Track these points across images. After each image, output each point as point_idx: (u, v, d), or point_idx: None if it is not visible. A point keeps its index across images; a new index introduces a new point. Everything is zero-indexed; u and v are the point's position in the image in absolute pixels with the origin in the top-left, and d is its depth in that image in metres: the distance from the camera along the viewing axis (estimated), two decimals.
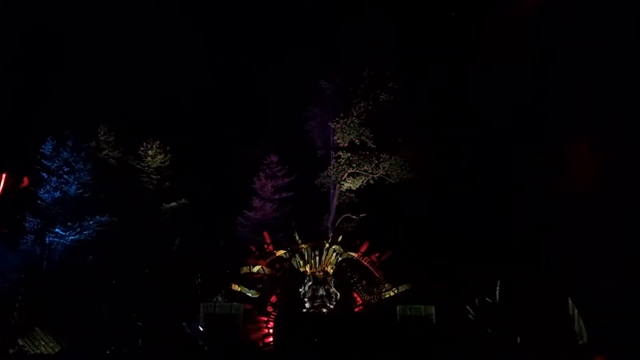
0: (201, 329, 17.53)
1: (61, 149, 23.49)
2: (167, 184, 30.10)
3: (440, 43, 27.75)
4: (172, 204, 29.72)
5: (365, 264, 19.33)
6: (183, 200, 29.75)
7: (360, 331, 18.24)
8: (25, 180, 18.37)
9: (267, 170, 31.20)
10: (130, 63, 31.11)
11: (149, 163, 30.02)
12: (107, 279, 19.65)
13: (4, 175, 16.00)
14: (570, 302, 16.82)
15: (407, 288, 19.10)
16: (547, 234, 22.54)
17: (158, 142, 30.17)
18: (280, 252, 19.57)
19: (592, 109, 23.08)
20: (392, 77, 27.07)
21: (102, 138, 29.55)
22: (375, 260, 19.47)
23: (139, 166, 30.04)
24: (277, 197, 30.76)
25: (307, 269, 19.09)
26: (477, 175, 25.69)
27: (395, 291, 18.98)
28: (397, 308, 18.22)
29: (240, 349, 17.15)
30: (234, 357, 16.84)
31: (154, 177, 29.99)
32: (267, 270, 19.02)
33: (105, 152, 29.47)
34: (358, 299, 18.94)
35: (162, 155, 30.10)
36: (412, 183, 26.25)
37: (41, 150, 23.49)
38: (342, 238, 19.89)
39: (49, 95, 25.97)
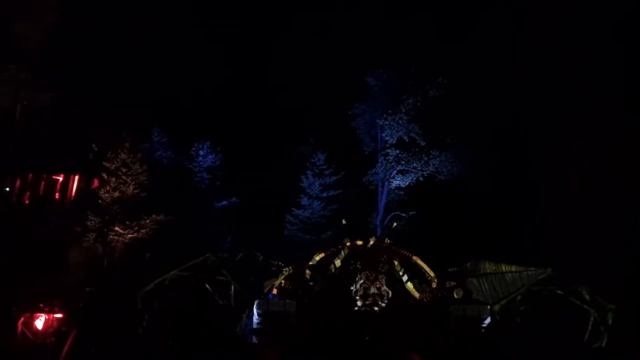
0: (255, 325, 17.83)
1: (119, 150, 24.45)
2: (218, 183, 30.80)
3: (491, 37, 27.16)
4: (223, 202, 30.40)
5: (417, 262, 19.15)
6: (234, 199, 30.37)
7: (413, 330, 18.18)
8: (96, 182, 19.35)
9: (315, 169, 31.40)
10: (180, 64, 31.98)
11: (201, 163, 30.81)
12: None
13: (76, 178, 16.92)
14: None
15: (460, 287, 18.80)
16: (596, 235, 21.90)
17: (209, 142, 30.88)
18: (332, 250, 19.63)
19: None
20: (441, 71, 26.71)
21: (155, 139, 30.52)
22: (428, 258, 19.25)
23: (190, 166, 30.89)
24: (325, 195, 30.94)
25: (358, 267, 19.07)
26: (532, 171, 25.02)
27: (449, 284, 18.65)
28: (451, 308, 17.96)
29: (293, 346, 17.35)
30: (286, 354, 17.07)
31: (206, 176, 30.75)
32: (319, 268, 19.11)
33: (159, 153, 30.46)
34: (410, 298, 18.77)
35: (213, 155, 30.79)
36: (464, 180, 25.84)
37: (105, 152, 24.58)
38: (392, 236, 19.78)
39: (108, 96, 27.13)
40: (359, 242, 19.68)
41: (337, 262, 19.28)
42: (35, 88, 26.82)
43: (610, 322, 16.79)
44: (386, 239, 19.72)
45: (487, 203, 25.96)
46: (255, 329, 17.76)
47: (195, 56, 31.90)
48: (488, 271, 19.10)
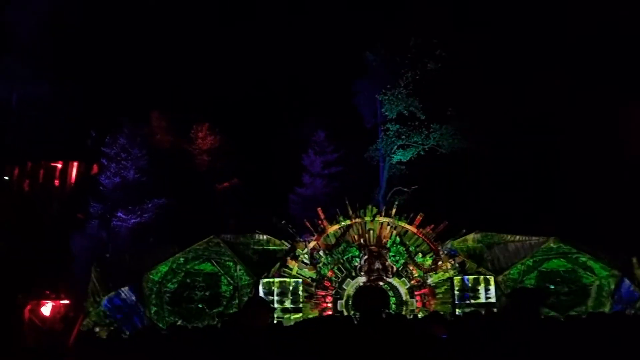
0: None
1: (118, 135, 24.36)
2: (219, 164, 30.72)
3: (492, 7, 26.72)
4: (225, 184, 30.36)
5: (421, 236, 19.15)
6: (235, 180, 30.31)
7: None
8: (95, 168, 19.32)
9: (316, 147, 31.28)
10: (175, 47, 31.64)
11: (200, 145, 30.68)
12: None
13: (75, 164, 16.93)
14: None
15: (464, 259, 18.88)
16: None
17: (207, 124, 30.71)
18: (334, 227, 19.59)
19: None
20: (440, 44, 26.34)
21: (154, 123, 30.37)
22: (431, 232, 19.25)
23: (190, 149, 30.77)
24: (326, 172, 30.88)
25: (362, 242, 19.09)
26: (534, 144, 24.87)
27: (452, 262, 18.75)
28: (454, 280, 18.05)
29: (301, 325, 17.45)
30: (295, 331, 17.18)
31: (206, 158, 30.66)
32: (322, 246, 19.15)
33: (159, 136, 30.33)
34: (414, 271, 18.83)
35: (212, 137, 30.65)
36: (466, 153, 25.70)
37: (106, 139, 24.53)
38: (395, 211, 19.72)
39: (107, 83, 26.89)
40: (362, 218, 19.64)
41: (341, 240, 19.29)
42: (31, 76, 26.61)
43: (613, 288, 16.84)
44: (389, 213, 19.68)
45: (489, 175, 25.89)
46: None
47: (192, 37, 31.53)
48: (491, 242, 19.17)
